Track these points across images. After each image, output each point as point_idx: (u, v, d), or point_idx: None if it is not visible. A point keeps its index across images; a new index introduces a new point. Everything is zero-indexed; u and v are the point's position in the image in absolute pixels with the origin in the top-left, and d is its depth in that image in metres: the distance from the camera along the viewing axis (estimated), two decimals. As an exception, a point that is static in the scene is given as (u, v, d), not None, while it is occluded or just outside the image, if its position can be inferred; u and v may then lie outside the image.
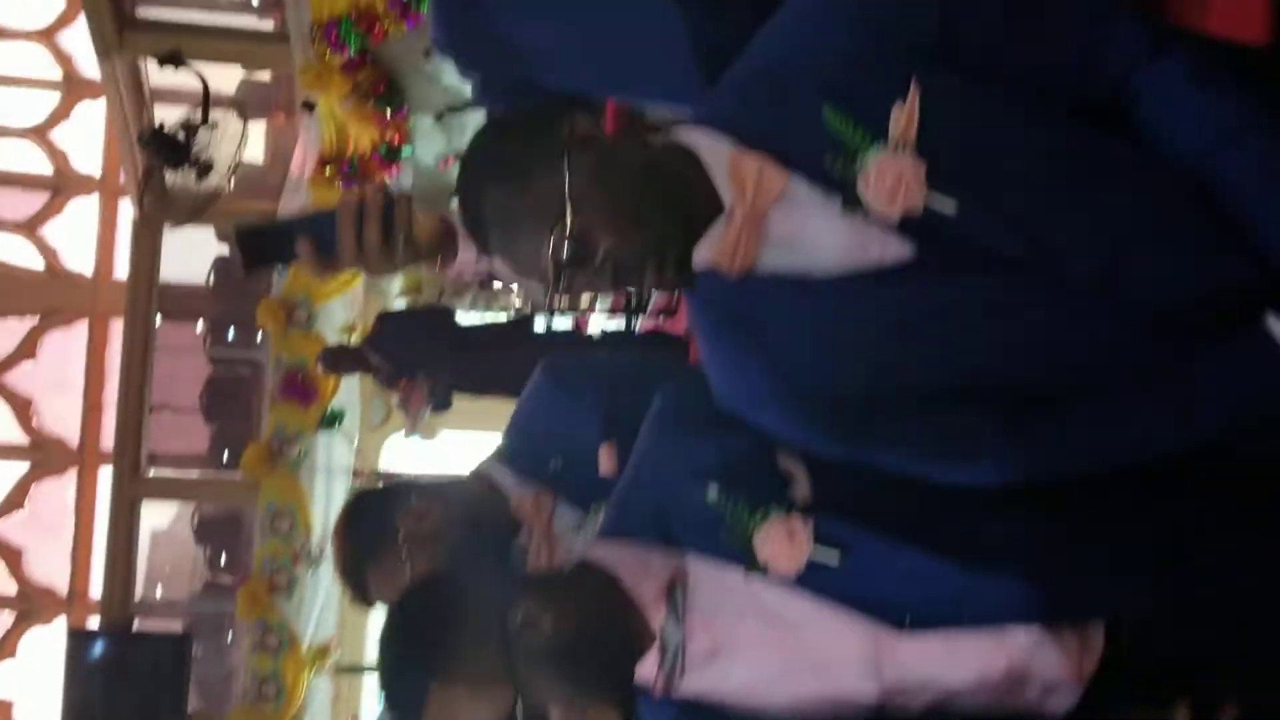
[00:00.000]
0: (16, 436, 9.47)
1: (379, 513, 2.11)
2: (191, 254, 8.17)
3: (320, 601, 7.31)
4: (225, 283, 8.42)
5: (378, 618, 2.36)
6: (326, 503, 7.57)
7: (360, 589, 2.12)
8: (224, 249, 8.41)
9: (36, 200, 9.45)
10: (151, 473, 7.62)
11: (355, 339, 7.37)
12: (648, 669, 1.53)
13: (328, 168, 6.22)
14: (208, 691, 7.81)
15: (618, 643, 1.47)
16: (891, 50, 1.40)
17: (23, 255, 9.42)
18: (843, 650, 1.49)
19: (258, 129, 7.35)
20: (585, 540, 1.94)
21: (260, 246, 1.60)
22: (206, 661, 7.82)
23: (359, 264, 1.61)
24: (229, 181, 5.33)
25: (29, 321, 9.39)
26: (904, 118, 1.36)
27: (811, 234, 1.41)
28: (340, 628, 7.49)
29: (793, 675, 1.50)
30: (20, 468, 9.48)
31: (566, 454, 2.00)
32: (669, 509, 1.58)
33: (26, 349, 9.41)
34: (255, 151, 7.50)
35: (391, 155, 5.98)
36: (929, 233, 1.38)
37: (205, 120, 5.46)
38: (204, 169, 5.54)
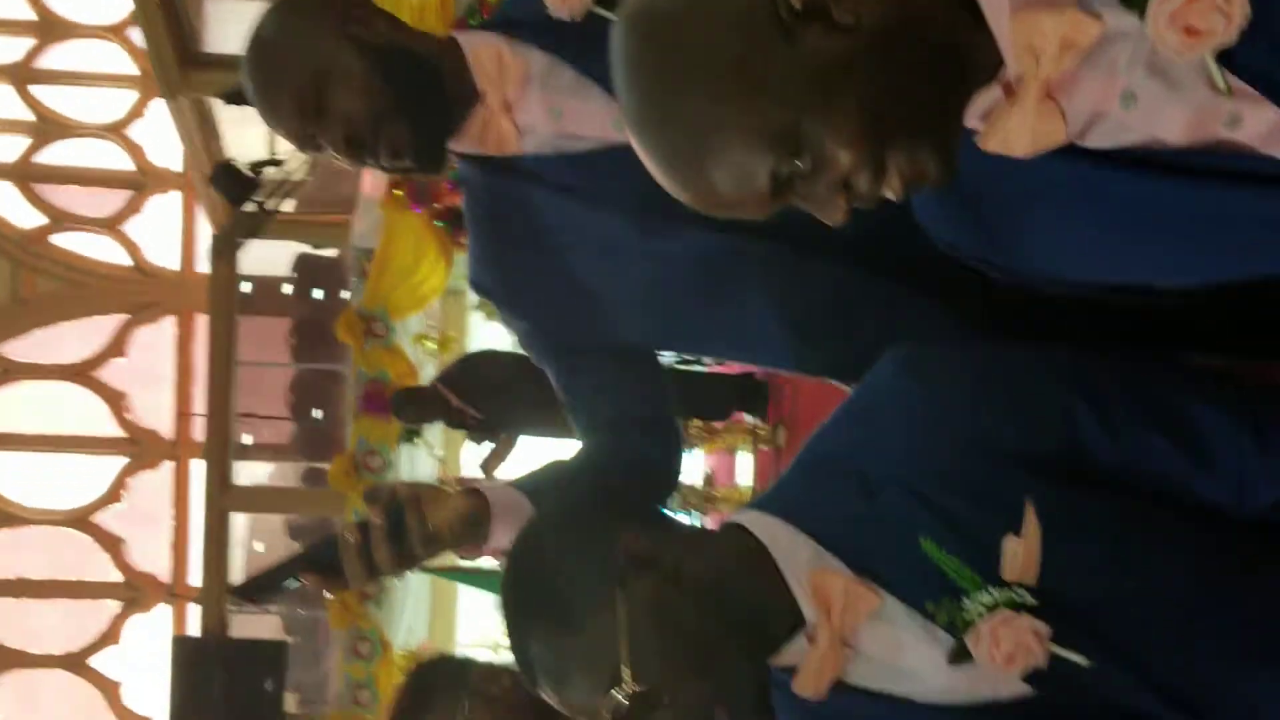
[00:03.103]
0: (112, 430, 9.69)
1: (450, 678, 2.01)
2: (276, 249, 8.21)
3: (410, 607, 7.40)
4: (306, 280, 8.45)
5: (467, 619, 2.33)
6: (411, 513, 7.62)
7: None
8: (306, 247, 8.45)
9: (118, 198, 9.54)
10: (242, 470, 7.75)
11: (433, 346, 7.35)
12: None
13: (398, 191, 6.15)
14: (305, 694, 8.00)
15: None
16: (997, 463, 1.18)
17: (108, 252, 9.54)
18: None
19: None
20: None
21: (263, 591, 1.51)
22: (302, 665, 8.00)
23: (375, 579, 1.50)
24: (279, 205, 5.27)
25: (117, 319, 9.54)
26: (1021, 557, 1.15)
27: (909, 661, 1.21)
28: (431, 632, 7.58)
29: None
30: (118, 462, 9.72)
31: None
32: None
33: (116, 346, 9.58)
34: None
35: (459, 181, 5.86)
36: (1055, 680, 1.16)
37: (272, 156, 5.38)
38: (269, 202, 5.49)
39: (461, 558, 1.66)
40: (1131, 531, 1.17)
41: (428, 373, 7.25)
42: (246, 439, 8.43)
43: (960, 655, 1.16)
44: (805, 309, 1.58)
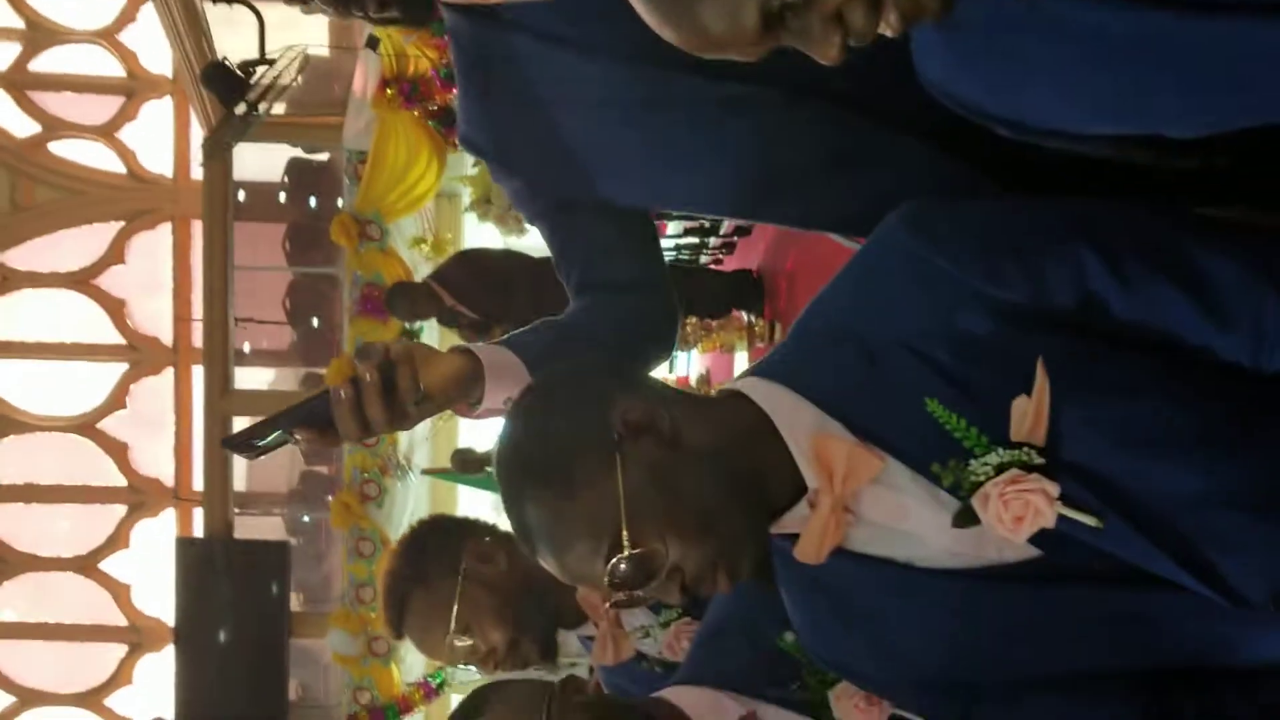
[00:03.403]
0: (113, 338, 9.73)
1: (447, 540, 2.05)
2: (268, 154, 8.17)
3: (410, 508, 7.49)
4: (299, 184, 8.41)
5: (467, 513, 2.34)
6: (410, 415, 7.68)
7: (397, 611, 2.03)
8: (298, 152, 8.40)
9: (112, 104, 9.45)
10: (243, 377, 7.80)
11: (428, 251, 7.34)
12: None
13: (389, 89, 6.09)
14: (309, 593, 8.14)
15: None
16: (1005, 320, 1.14)
17: (104, 160, 9.49)
18: None
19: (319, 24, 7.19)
20: (653, 645, 1.89)
21: (254, 444, 1.48)
22: (305, 565, 8.13)
23: (370, 437, 1.50)
24: (269, 108, 5.23)
25: (115, 226, 9.52)
26: (1030, 416, 1.11)
27: (912, 525, 1.19)
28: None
29: None
30: (119, 368, 9.77)
31: None
32: (747, 653, 1.52)
33: (115, 253, 9.57)
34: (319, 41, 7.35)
35: (450, 76, 5.81)
36: (1063, 542, 1.13)
37: (262, 56, 5.33)
38: (258, 102, 5.44)
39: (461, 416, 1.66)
40: (1144, 389, 1.13)
41: (423, 276, 7.26)
42: (246, 347, 8.47)
43: (966, 518, 1.13)
44: (805, 159, 1.53)
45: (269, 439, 1.40)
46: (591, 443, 1.19)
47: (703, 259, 7.02)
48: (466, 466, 6.24)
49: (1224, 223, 1.24)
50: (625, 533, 1.16)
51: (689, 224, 6.31)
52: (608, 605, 1.23)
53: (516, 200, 1.73)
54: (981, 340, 1.15)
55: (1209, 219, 1.25)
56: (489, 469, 6.24)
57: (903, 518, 1.19)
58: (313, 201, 8.03)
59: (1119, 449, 1.12)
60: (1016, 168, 1.33)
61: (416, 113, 6.11)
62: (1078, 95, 1.09)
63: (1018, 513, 1.10)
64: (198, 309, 8.79)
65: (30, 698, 10.25)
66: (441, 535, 2.09)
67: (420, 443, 7.93)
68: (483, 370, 1.47)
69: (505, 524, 1.34)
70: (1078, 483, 1.11)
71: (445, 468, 7.78)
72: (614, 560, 1.17)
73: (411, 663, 7.54)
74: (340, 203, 7.14)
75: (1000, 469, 1.11)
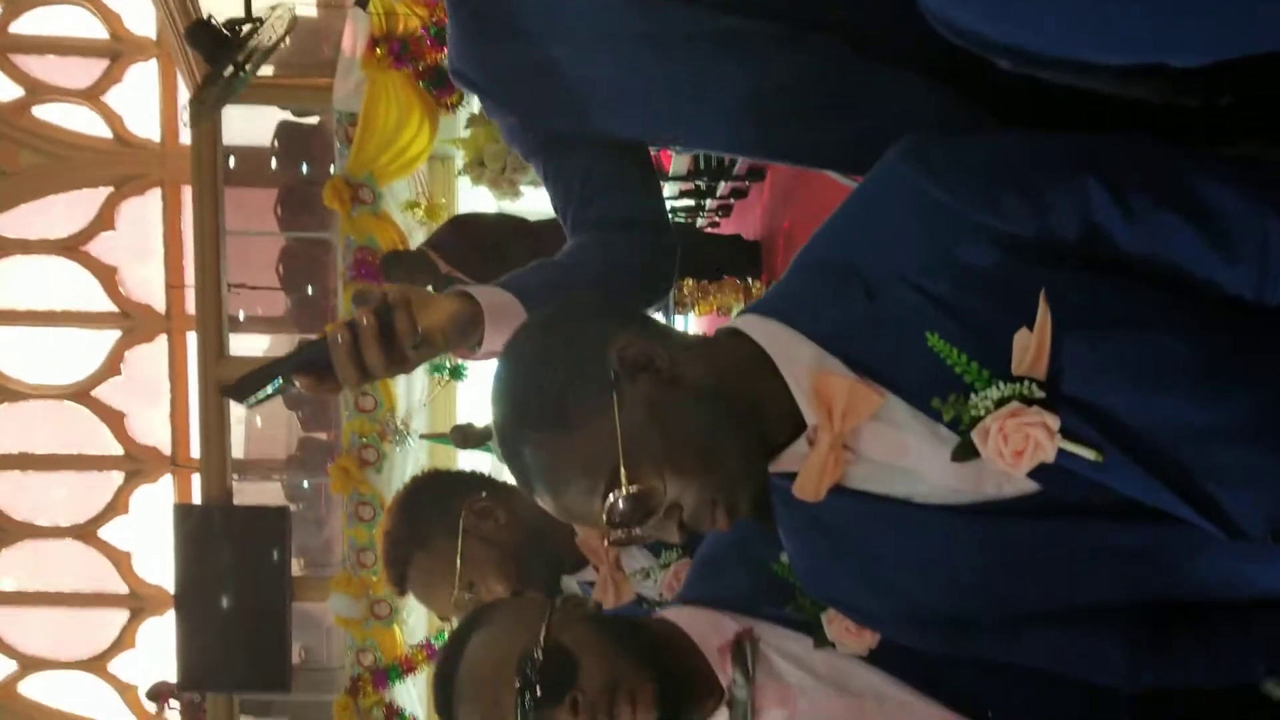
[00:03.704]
0: (105, 305, 9.66)
1: (444, 495, 2.04)
2: (257, 118, 8.06)
3: (409, 473, 7.47)
4: (290, 148, 8.32)
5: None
6: (408, 379, 7.65)
7: (399, 572, 2.04)
8: (287, 114, 8.29)
9: (96, 67, 9.32)
10: (239, 344, 7.75)
11: (422, 215, 7.28)
12: None
13: (379, 48, 6.00)
14: (310, 559, 8.15)
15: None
16: (1007, 252, 1.13)
17: (90, 125, 9.37)
18: None
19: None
20: (653, 587, 1.89)
21: (254, 390, 1.45)
22: (306, 531, 8.12)
23: (369, 382, 1.47)
24: (255, 70, 5.16)
25: (103, 192, 9.42)
26: (1032, 350, 1.09)
27: (912, 461, 1.18)
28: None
29: None
30: (112, 336, 9.71)
31: None
32: (743, 577, 1.52)
33: (105, 219, 9.48)
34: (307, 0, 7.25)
35: (441, 35, 5.73)
36: (1062, 476, 1.13)
37: (249, 15, 5.23)
38: (245, 63, 5.34)
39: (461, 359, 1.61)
40: (1147, 322, 1.11)
41: (418, 240, 7.20)
42: (241, 314, 8.40)
43: (966, 452, 1.13)
44: (804, 94, 1.51)
45: (267, 386, 1.38)
46: (588, 381, 1.18)
47: (699, 222, 6.97)
48: (466, 441, 6.23)
49: (1232, 156, 1.22)
50: (623, 471, 1.15)
51: (685, 186, 6.25)
52: (606, 544, 1.21)
53: (510, 136, 1.70)
54: (982, 273, 1.13)
55: (1215, 152, 1.23)
56: (489, 444, 6.23)
57: (902, 454, 1.19)
58: (304, 168, 7.93)
59: (1121, 382, 1.11)
60: (1017, 105, 1.30)
61: (407, 72, 6.02)
62: (1080, 17, 1.05)
63: (1018, 446, 1.10)
64: (190, 275, 8.73)
65: (33, 664, 10.29)
66: (436, 493, 2.08)
67: (418, 408, 7.91)
68: (481, 312, 1.45)
69: (503, 476, 1.32)
70: (1078, 416, 1.11)
71: (443, 433, 7.76)
72: (612, 498, 1.16)
73: (414, 624, 7.57)
74: (332, 169, 7.04)
75: (1000, 403, 1.11)
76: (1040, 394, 1.10)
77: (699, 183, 5.91)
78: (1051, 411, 1.09)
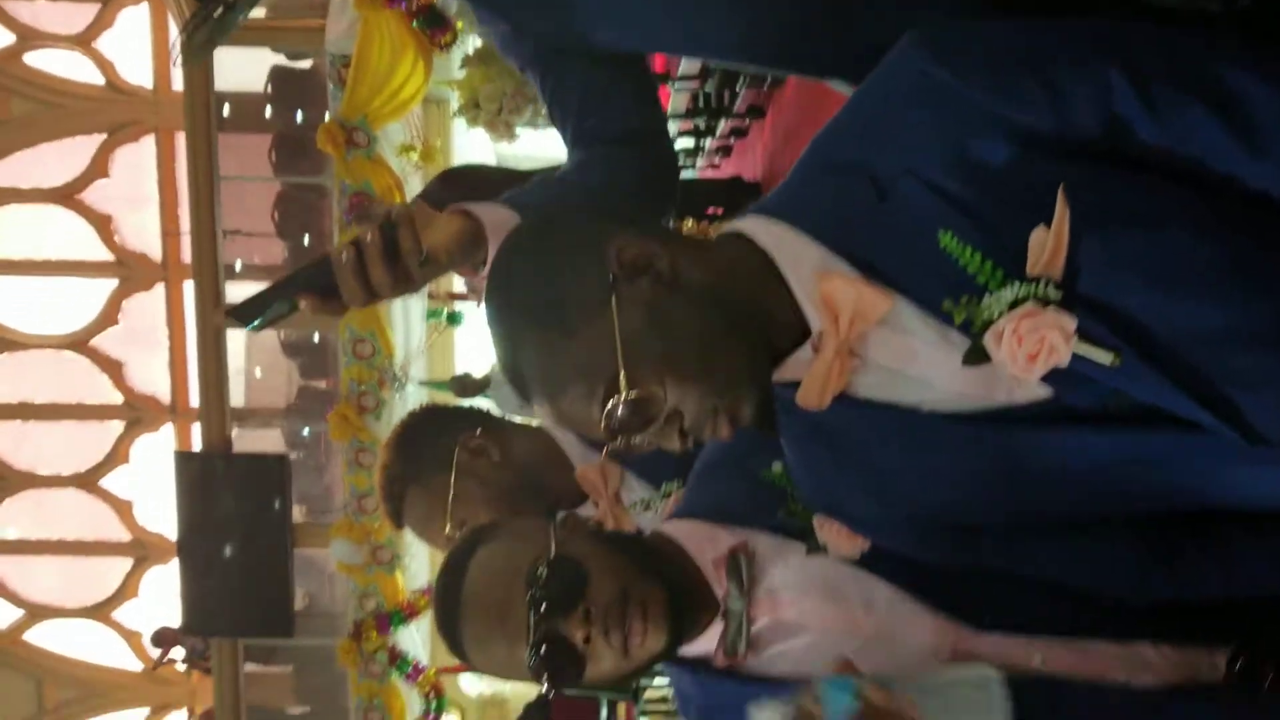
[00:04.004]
0: (101, 254, 9.62)
1: (439, 433, 2.03)
2: (250, 62, 7.98)
3: (408, 419, 7.46)
4: (283, 93, 8.25)
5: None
6: (405, 326, 7.63)
7: (395, 507, 2.03)
8: (280, 58, 8.20)
9: (87, 12, 9.21)
10: (233, 290, 7.70)
11: (417, 159, 7.22)
12: (710, 640, 1.45)
13: (373, -14, 5.93)
14: (311, 505, 8.17)
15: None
16: (1024, 146, 1.08)
17: (81, 70, 9.28)
18: (916, 636, 1.42)
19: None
20: (654, 519, 1.88)
21: (258, 312, 1.43)
22: (307, 477, 8.14)
23: (375, 301, 1.46)
24: (247, 10, 5.08)
25: (97, 139, 9.34)
26: (1049, 248, 1.05)
27: (920, 367, 1.14)
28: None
29: (860, 653, 1.43)
30: (109, 285, 9.68)
31: None
32: (738, 487, 1.50)
33: (99, 167, 9.41)
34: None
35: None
36: (1076, 381, 1.09)
37: (238, -43, 5.13)
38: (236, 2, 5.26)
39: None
40: (1169, 220, 1.06)
41: (413, 186, 7.14)
42: (238, 264, 8.36)
43: (977, 355, 1.09)
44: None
45: (271, 307, 1.35)
46: (587, 282, 1.14)
47: (699, 162, 6.91)
48: (465, 390, 6.21)
49: (1261, 44, 1.17)
50: (622, 376, 1.11)
51: (684, 125, 6.18)
52: (605, 453, 1.19)
53: (504, 46, 1.67)
54: (998, 168, 1.09)
55: (1244, 40, 1.18)
56: (488, 391, 6.23)
57: (910, 361, 1.15)
58: (299, 116, 7.86)
59: (1140, 282, 1.06)
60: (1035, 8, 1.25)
61: (400, 11, 5.94)
62: None
63: (1032, 349, 1.06)
64: (185, 222, 8.68)
65: (38, 612, 10.36)
66: (432, 429, 2.06)
67: (416, 355, 7.89)
68: (484, 230, 1.42)
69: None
70: (1095, 318, 1.06)
71: (442, 380, 7.76)
72: (611, 404, 1.12)
73: (416, 570, 7.61)
74: (327, 115, 6.97)
75: (1015, 304, 1.06)
76: (1056, 294, 1.06)
77: (698, 121, 5.84)
78: (1068, 313, 1.06)
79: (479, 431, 2.03)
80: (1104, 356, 1.06)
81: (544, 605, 1.32)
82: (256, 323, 1.38)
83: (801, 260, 1.15)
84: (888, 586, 1.39)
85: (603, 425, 1.14)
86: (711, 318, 1.14)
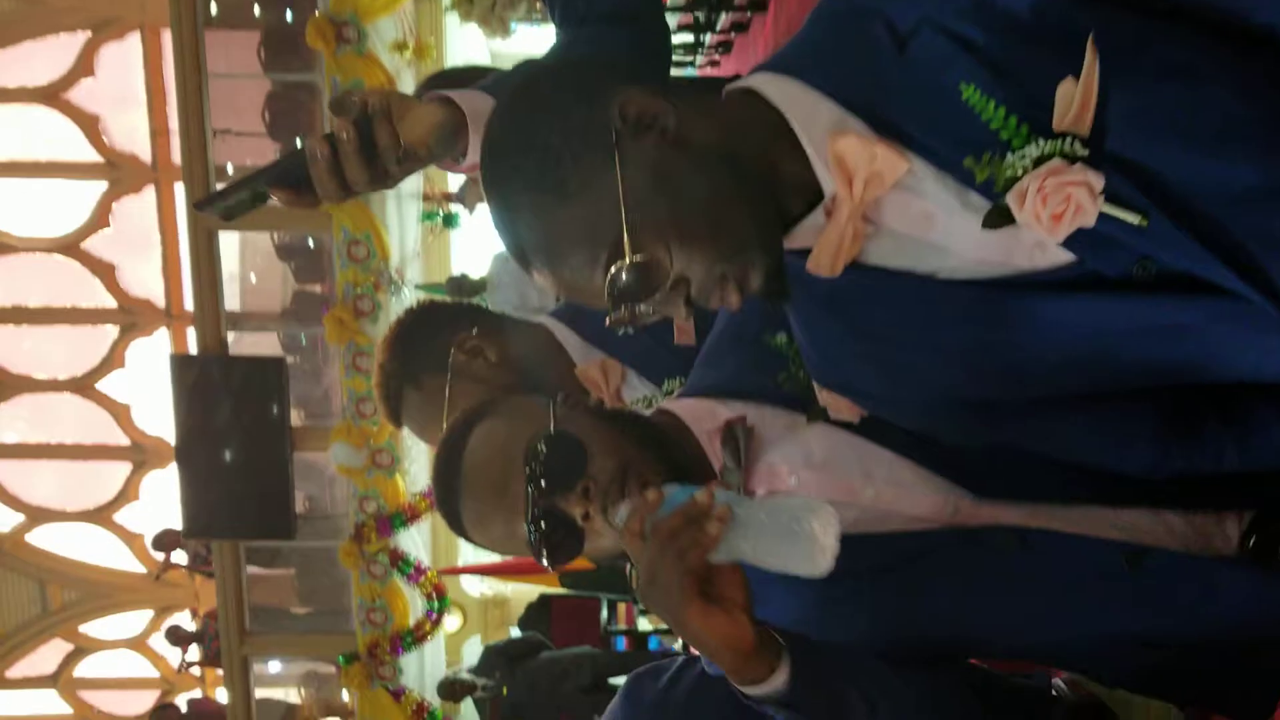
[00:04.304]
0: (90, 155, 9.46)
1: (434, 332, 1.96)
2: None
3: (405, 322, 7.40)
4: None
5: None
6: (400, 228, 7.52)
7: (393, 407, 1.98)
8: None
9: (65, -98, 8.93)
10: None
11: (409, 56, 7.05)
12: None
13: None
14: (309, 408, 8.15)
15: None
16: None
17: (62, -36, 9.02)
18: (915, 505, 1.39)
19: None
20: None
21: (225, 200, 1.36)
22: (304, 381, 8.10)
23: (351, 197, 1.39)
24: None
25: (81, 36, 9.12)
26: (1078, 102, 0.99)
27: (937, 233, 1.09)
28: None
29: (859, 523, 1.41)
30: (99, 187, 9.53)
31: None
32: (740, 358, 1.47)
33: (84, 66, 9.20)
34: None
35: None
36: (1101, 244, 1.03)
37: None
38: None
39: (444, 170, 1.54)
40: (1203, 74, 1.00)
41: (406, 83, 6.97)
42: (229, 168, 8.22)
43: (1000, 217, 1.03)
44: None
45: (242, 196, 1.28)
46: (588, 140, 1.06)
47: (698, 59, 6.72)
48: (461, 291, 6.14)
49: None
50: (626, 239, 1.05)
51: (683, 19, 6.00)
52: (608, 323, 1.13)
53: None
54: (1022, 16, 1.02)
55: None
56: (484, 295, 6.14)
57: (928, 227, 1.09)
58: (288, 13, 7.64)
59: (1172, 139, 1.00)
60: None
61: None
62: None
63: (1056, 209, 1.00)
64: (174, 122, 8.50)
65: (39, 515, 10.42)
66: (428, 328, 2.00)
67: (412, 258, 7.80)
68: (465, 119, 1.33)
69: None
70: (1123, 176, 1.00)
71: (439, 282, 7.68)
72: (614, 270, 1.06)
73: (416, 474, 7.62)
74: (317, 12, 6.77)
75: (1040, 161, 1.00)
76: (1084, 151, 0.99)
77: (698, 14, 5.66)
78: (1095, 170, 0.99)
79: (475, 331, 1.98)
80: (1132, 217, 1.00)
81: (543, 481, 1.28)
82: (221, 209, 1.32)
83: (815, 118, 1.08)
84: (888, 453, 1.35)
85: (606, 293, 1.07)
86: (720, 179, 1.07)
